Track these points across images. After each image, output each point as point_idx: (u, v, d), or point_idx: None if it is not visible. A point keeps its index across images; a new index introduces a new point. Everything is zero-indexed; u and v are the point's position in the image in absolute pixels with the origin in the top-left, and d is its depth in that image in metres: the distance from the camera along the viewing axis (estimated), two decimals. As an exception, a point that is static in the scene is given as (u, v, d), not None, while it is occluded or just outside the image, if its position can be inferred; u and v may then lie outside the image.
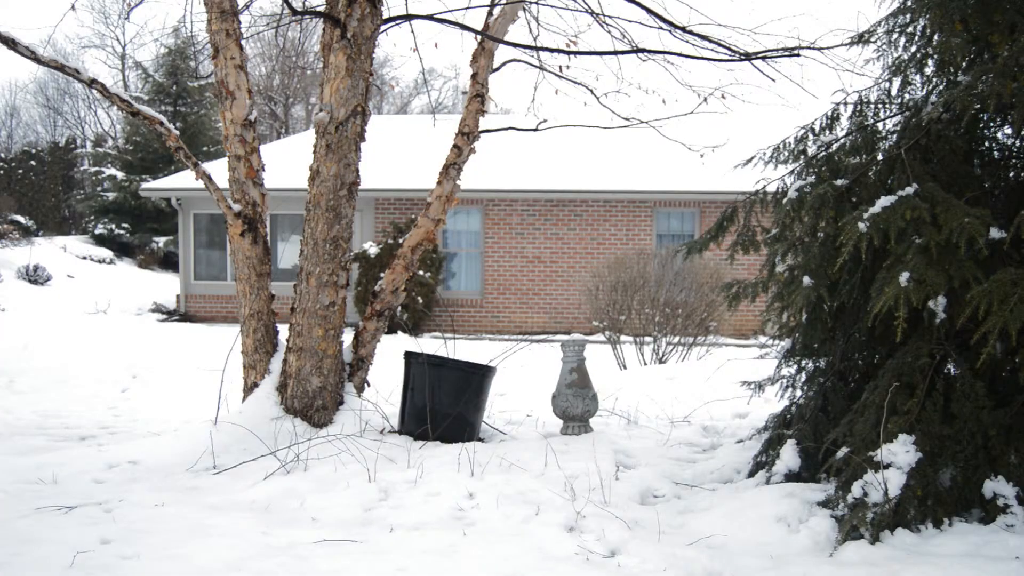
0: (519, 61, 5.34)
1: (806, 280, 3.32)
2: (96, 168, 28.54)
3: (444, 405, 4.31)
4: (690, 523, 3.16)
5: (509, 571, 2.61)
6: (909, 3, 3.45)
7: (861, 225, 2.97)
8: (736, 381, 4.92)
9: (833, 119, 3.80)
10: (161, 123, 4.42)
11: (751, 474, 3.71)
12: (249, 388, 4.48)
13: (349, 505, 3.27)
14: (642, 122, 5.87)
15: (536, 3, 5.41)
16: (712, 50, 4.62)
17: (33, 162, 31.70)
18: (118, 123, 34.12)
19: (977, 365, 2.87)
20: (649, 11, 4.63)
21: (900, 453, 2.92)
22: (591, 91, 5.90)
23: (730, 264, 4.11)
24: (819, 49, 4.68)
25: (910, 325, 3.23)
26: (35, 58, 4.13)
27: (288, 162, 14.36)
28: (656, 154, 14.67)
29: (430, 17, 4.36)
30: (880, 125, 3.64)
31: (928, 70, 3.58)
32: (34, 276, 19.74)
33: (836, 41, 4.52)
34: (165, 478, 3.70)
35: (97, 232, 26.02)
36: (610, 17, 5.26)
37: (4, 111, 39.97)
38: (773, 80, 4.96)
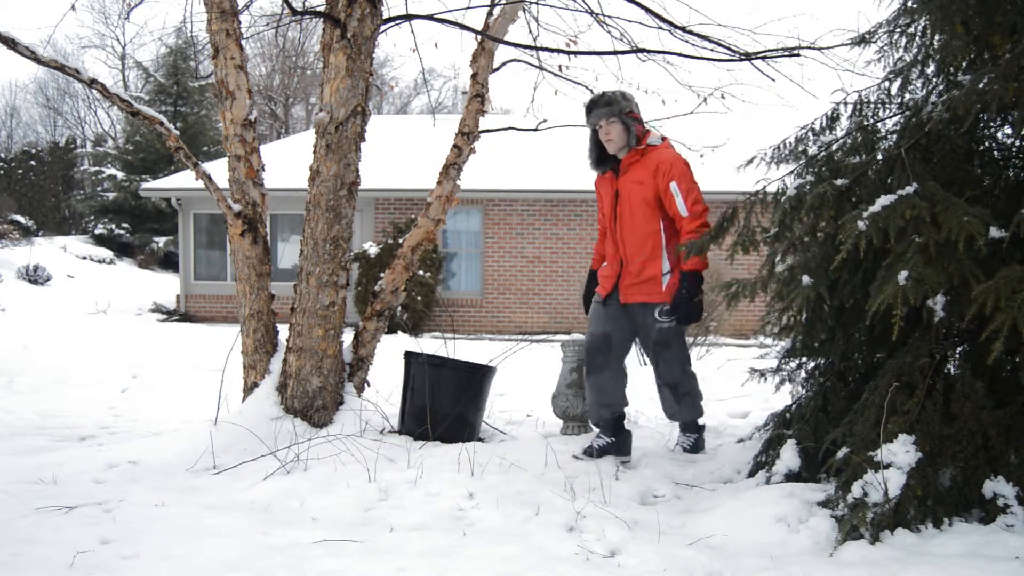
0: (519, 61, 5.35)
1: (805, 279, 3.32)
2: (96, 168, 28.57)
3: (444, 405, 4.31)
4: (690, 523, 3.16)
5: (509, 571, 2.61)
6: (910, 4, 3.45)
7: (860, 224, 2.97)
8: (736, 381, 4.91)
9: (833, 119, 3.80)
10: (161, 123, 4.42)
11: (751, 474, 3.71)
12: (249, 388, 4.48)
13: (349, 505, 3.27)
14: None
15: (536, 3, 5.41)
16: (712, 50, 4.63)
17: (33, 162, 31.72)
18: (118, 123, 34.14)
19: (988, 363, 2.86)
20: (649, 11, 4.64)
21: (900, 453, 2.91)
22: (591, 91, 5.90)
23: (730, 264, 4.12)
24: (819, 49, 4.69)
25: (910, 325, 3.23)
26: (35, 58, 4.13)
27: (288, 162, 14.36)
28: (656, 154, 14.69)
29: (430, 17, 4.36)
30: (880, 125, 3.64)
31: (929, 70, 3.58)
32: (34, 276, 19.76)
33: (836, 41, 4.53)
34: (165, 478, 3.70)
35: (97, 232, 26.05)
36: (610, 17, 5.27)
37: (4, 111, 40.01)
38: (773, 80, 4.97)
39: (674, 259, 3.96)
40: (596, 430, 4.29)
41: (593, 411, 4.14)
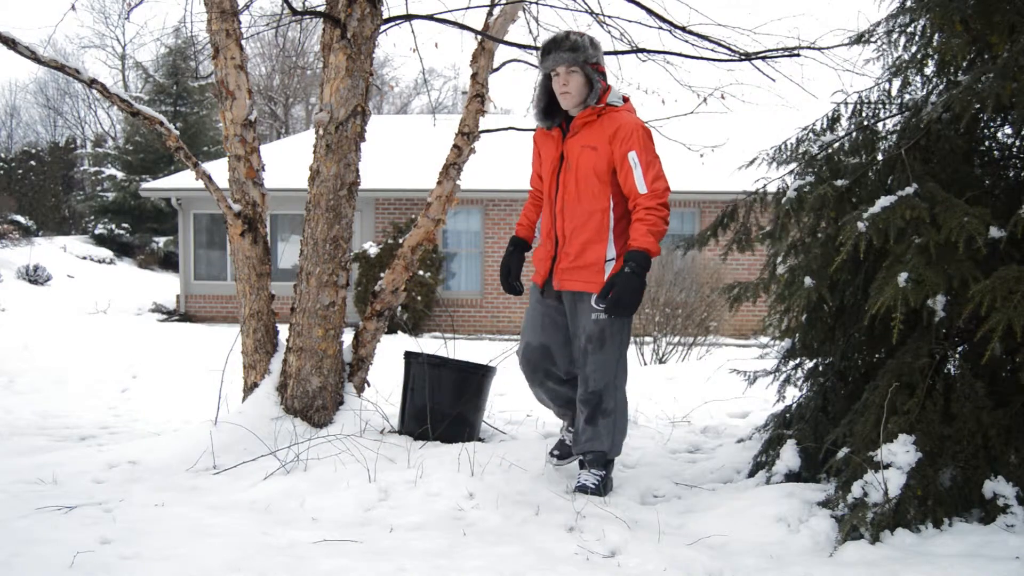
0: (519, 61, 5.35)
1: (807, 281, 3.32)
2: (96, 168, 28.58)
3: (444, 405, 4.31)
4: (690, 523, 3.16)
5: (509, 571, 2.61)
6: (909, 3, 3.45)
7: (860, 225, 2.98)
8: (736, 381, 4.90)
9: (834, 120, 3.81)
10: (161, 123, 4.42)
11: (751, 474, 3.71)
12: (249, 388, 4.48)
13: (349, 505, 3.27)
14: (642, 122, 5.86)
15: (536, 3, 5.42)
16: (712, 50, 4.63)
17: (33, 162, 31.74)
18: (118, 123, 34.16)
19: (982, 363, 2.87)
20: (649, 11, 4.64)
21: (900, 453, 2.92)
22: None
23: (723, 262, 4.10)
24: (819, 49, 4.69)
25: (910, 325, 3.23)
26: (35, 58, 4.13)
27: (288, 162, 14.36)
28: (656, 154, 14.68)
29: (430, 17, 4.36)
30: (880, 125, 3.64)
31: (928, 70, 3.58)
32: (34, 276, 19.77)
33: (836, 41, 4.54)
34: (165, 478, 3.70)
35: (97, 232, 26.07)
36: (610, 17, 5.27)
37: (4, 111, 40.05)
38: (773, 80, 4.98)
39: (621, 245, 3.35)
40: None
41: (553, 411, 3.74)
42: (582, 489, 3.41)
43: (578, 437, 3.49)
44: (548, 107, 3.47)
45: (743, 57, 4.59)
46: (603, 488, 3.44)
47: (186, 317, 16.33)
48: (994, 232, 2.91)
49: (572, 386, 3.56)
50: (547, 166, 3.50)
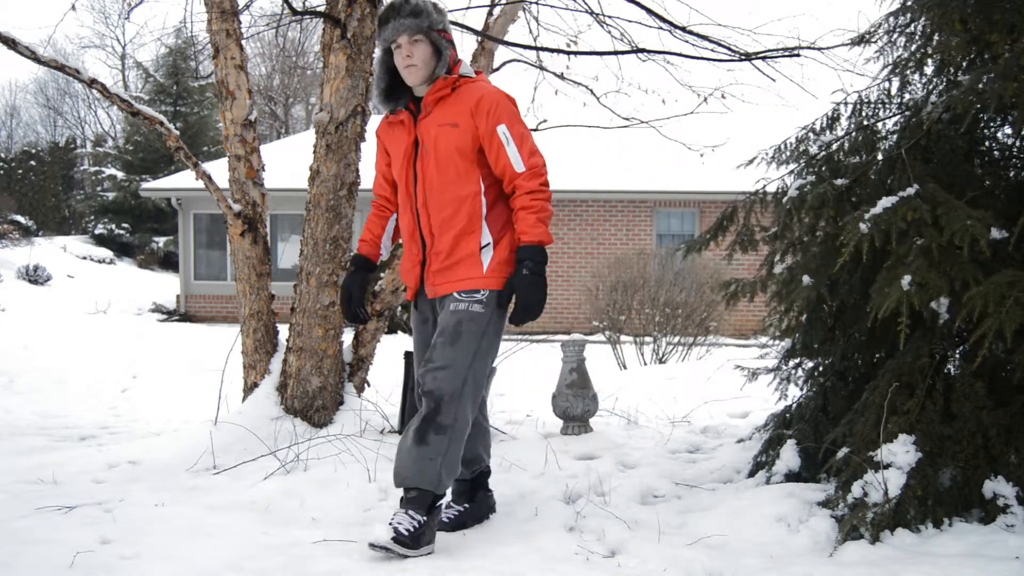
0: (519, 61, 5.36)
1: (805, 279, 3.32)
2: (96, 168, 28.60)
3: (444, 405, 4.30)
4: (690, 523, 3.16)
5: (509, 571, 2.61)
6: (909, 3, 3.45)
7: (862, 226, 2.97)
8: (736, 381, 4.89)
9: (833, 119, 3.80)
10: (161, 123, 4.42)
11: (751, 474, 3.71)
12: (249, 388, 4.48)
13: (349, 505, 3.28)
14: (642, 122, 5.89)
15: (536, 3, 5.43)
16: (712, 50, 4.64)
17: (33, 162, 31.74)
18: (118, 123, 34.17)
19: (974, 368, 2.87)
20: (649, 11, 4.65)
21: (900, 453, 2.92)
22: (591, 91, 5.92)
23: (728, 263, 4.12)
24: (819, 49, 4.70)
25: (911, 326, 3.23)
26: (35, 58, 4.13)
27: (288, 162, 14.36)
28: (656, 154, 14.67)
29: (430, 17, 4.35)
30: (880, 125, 3.64)
31: (928, 70, 3.58)
32: (34, 276, 19.77)
33: (836, 41, 4.55)
34: (165, 478, 3.71)
35: (97, 232, 26.06)
36: (610, 17, 5.28)
37: (4, 111, 40.06)
38: (773, 80, 4.98)
39: (497, 230, 2.90)
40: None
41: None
42: (395, 535, 2.66)
43: (401, 459, 2.78)
44: (390, 88, 2.96)
45: (743, 57, 4.59)
46: (417, 539, 2.69)
47: (186, 317, 16.34)
48: (995, 233, 2.91)
49: (476, 433, 3.05)
50: (399, 158, 2.96)
